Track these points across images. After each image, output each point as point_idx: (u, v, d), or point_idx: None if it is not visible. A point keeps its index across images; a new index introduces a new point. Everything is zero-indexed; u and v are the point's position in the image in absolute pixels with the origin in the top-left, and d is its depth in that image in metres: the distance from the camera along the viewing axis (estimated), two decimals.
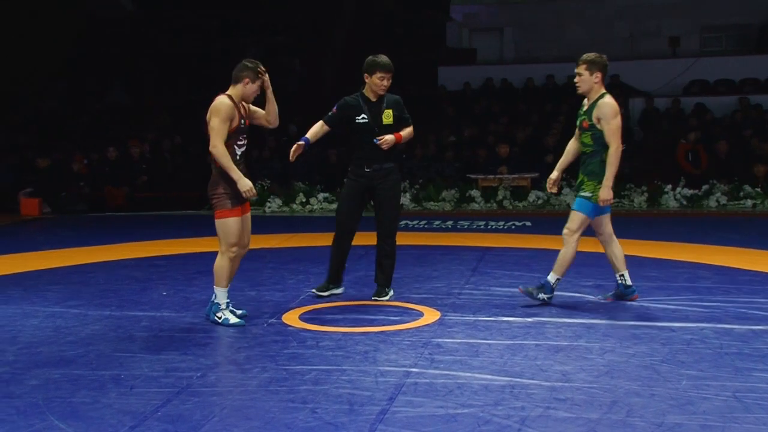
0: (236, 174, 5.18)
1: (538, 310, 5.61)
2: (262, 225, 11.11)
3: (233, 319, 5.29)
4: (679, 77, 16.80)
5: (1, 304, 6.04)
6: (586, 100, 5.77)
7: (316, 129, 5.97)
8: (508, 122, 15.53)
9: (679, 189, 12.51)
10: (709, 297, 5.95)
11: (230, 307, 5.47)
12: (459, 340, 4.88)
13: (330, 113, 5.98)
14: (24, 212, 12.59)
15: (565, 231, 5.74)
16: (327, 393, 3.89)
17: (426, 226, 10.81)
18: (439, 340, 4.88)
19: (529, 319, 5.36)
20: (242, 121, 5.36)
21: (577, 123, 5.83)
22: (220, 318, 5.30)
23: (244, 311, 5.59)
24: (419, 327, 5.20)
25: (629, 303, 5.80)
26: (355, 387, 3.98)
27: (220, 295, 5.34)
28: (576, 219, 5.70)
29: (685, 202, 12.37)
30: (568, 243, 5.71)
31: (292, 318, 5.46)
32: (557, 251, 8.24)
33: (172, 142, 15.17)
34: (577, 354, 4.53)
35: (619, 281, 5.90)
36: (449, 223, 10.93)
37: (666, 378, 4.08)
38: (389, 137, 5.85)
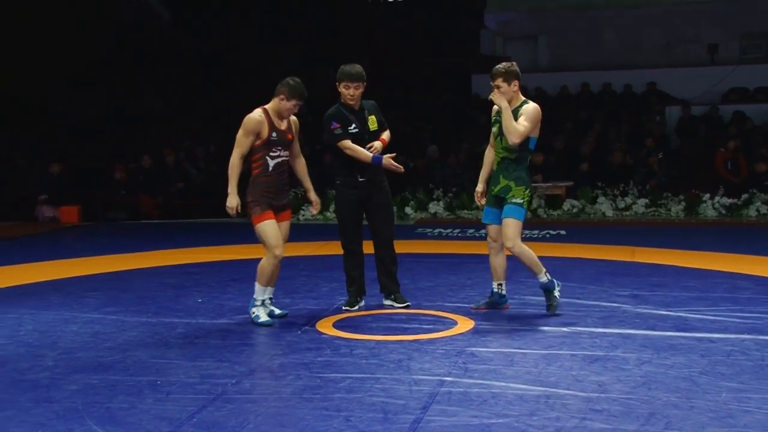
0: (231, 188, 5.39)
1: (574, 320, 5.56)
2: (296, 233, 11.11)
3: (263, 318, 5.42)
4: (717, 85, 16.57)
5: (41, 309, 6.13)
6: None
7: (359, 148, 5.82)
8: (542, 130, 15.42)
9: (717, 198, 12.34)
10: (749, 308, 5.85)
11: (272, 306, 5.65)
12: (493, 350, 4.85)
13: (338, 131, 5.80)
14: (64, 220, 12.80)
15: (508, 244, 5.63)
16: (361, 401, 3.89)
17: (459, 234, 10.78)
18: (473, 349, 4.85)
19: (565, 329, 5.31)
20: (274, 134, 5.42)
21: (494, 130, 5.78)
22: (252, 314, 5.42)
23: (284, 311, 5.69)
24: (453, 336, 5.18)
25: (666, 313, 5.72)
26: (388, 395, 3.98)
27: (258, 290, 5.50)
28: (513, 226, 5.63)
29: (723, 212, 12.19)
30: (520, 251, 5.64)
31: (326, 326, 5.47)
32: (592, 261, 8.20)
33: (206, 150, 15.31)
34: (613, 364, 4.48)
35: (496, 290, 5.89)
36: (483, 231, 10.85)
37: (705, 390, 4.01)
38: (378, 144, 5.84)
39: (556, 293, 5.71)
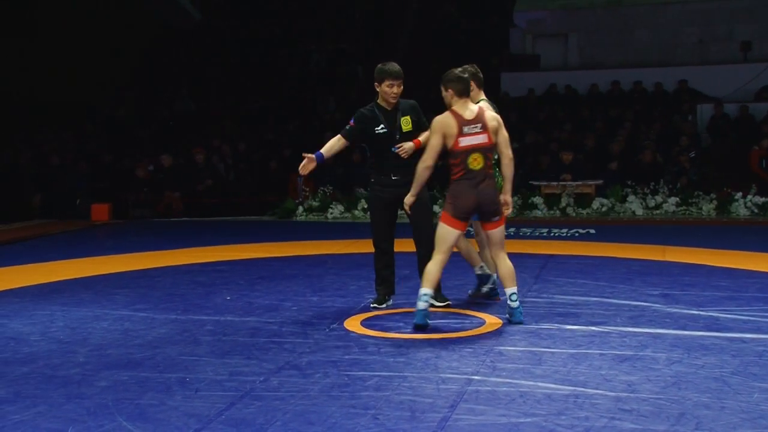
0: (510, 187, 5.48)
1: (603, 319, 5.51)
2: (323, 231, 11.19)
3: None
4: (750, 83, 16.34)
5: (72, 306, 6.21)
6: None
7: (333, 143, 5.93)
8: (572, 129, 15.35)
9: (750, 196, 12.17)
10: None
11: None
12: (521, 348, 4.82)
13: (348, 127, 5.90)
14: (94, 218, 12.95)
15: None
16: (388, 399, 3.89)
17: None
18: (501, 347, 4.83)
19: (594, 328, 5.27)
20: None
21: None
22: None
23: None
24: (481, 334, 5.16)
25: (698, 313, 5.65)
26: (416, 394, 3.97)
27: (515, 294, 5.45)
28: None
29: (756, 210, 12.02)
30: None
31: (353, 324, 5.48)
32: (622, 260, 8.13)
33: (235, 148, 15.42)
34: (642, 364, 4.43)
35: (479, 271, 6.20)
36: (512, 230, 10.83)
37: (737, 390, 3.96)
38: (408, 145, 5.78)
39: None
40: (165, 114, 17.95)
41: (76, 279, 7.44)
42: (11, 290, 6.92)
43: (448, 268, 7.60)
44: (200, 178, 13.97)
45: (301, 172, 5.96)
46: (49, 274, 7.68)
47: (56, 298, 6.53)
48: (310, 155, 5.85)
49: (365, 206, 12.91)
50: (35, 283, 7.25)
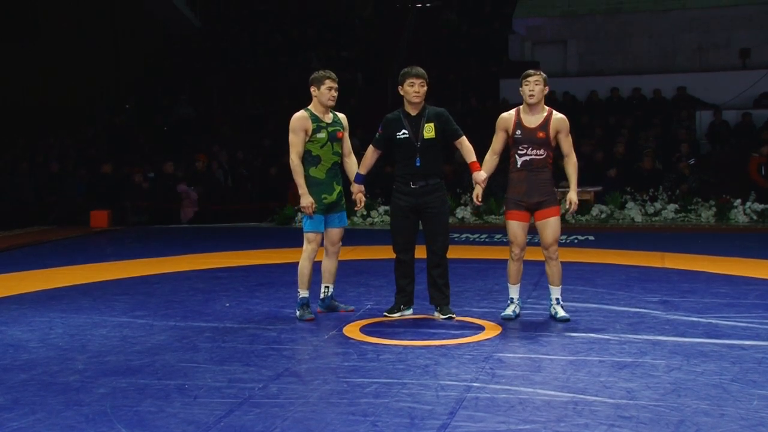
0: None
1: (602, 326, 5.51)
2: None
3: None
4: (749, 90, 16.37)
5: (71, 313, 6.20)
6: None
7: (366, 156, 6.00)
8: (571, 135, 15.35)
9: (748, 203, 12.18)
10: None
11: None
12: (521, 355, 4.82)
13: (377, 135, 5.93)
14: (93, 224, 12.94)
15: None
16: (387, 406, 3.89)
17: (487, 239, 10.74)
18: (501, 354, 4.83)
19: (593, 335, 5.27)
20: (518, 132, 5.93)
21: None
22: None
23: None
24: (480, 341, 5.16)
25: (697, 320, 5.65)
26: (415, 400, 3.97)
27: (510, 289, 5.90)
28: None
29: (755, 217, 12.03)
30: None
31: (353, 330, 5.48)
32: (621, 266, 8.13)
33: (234, 155, 15.41)
34: (642, 371, 4.43)
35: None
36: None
37: (736, 398, 3.96)
38: (481, 175, 5.89)
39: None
40: (166, 120, 17.96)
41: (75, 286, 7.43)
42: (10, 297, 6.92)
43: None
44: (199, 185, 13.95)
45: (361, 205, 6.24)
46: (48, 281, 7.67)
47: (55, 305, 6.52)
48: (354, 185, 6.03)
49: (364, 213, 12.91)
50: (34, 289, 7.24)
